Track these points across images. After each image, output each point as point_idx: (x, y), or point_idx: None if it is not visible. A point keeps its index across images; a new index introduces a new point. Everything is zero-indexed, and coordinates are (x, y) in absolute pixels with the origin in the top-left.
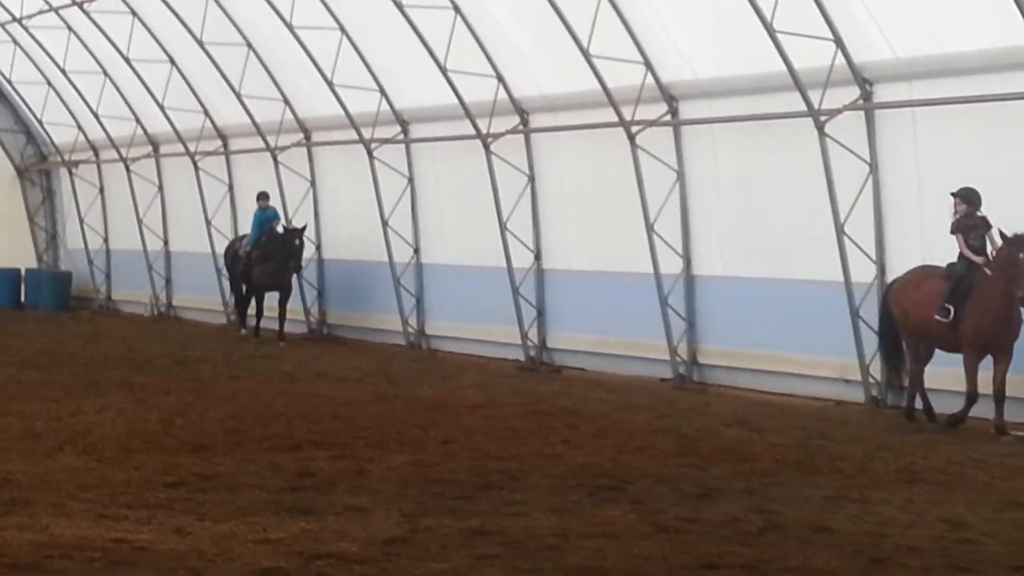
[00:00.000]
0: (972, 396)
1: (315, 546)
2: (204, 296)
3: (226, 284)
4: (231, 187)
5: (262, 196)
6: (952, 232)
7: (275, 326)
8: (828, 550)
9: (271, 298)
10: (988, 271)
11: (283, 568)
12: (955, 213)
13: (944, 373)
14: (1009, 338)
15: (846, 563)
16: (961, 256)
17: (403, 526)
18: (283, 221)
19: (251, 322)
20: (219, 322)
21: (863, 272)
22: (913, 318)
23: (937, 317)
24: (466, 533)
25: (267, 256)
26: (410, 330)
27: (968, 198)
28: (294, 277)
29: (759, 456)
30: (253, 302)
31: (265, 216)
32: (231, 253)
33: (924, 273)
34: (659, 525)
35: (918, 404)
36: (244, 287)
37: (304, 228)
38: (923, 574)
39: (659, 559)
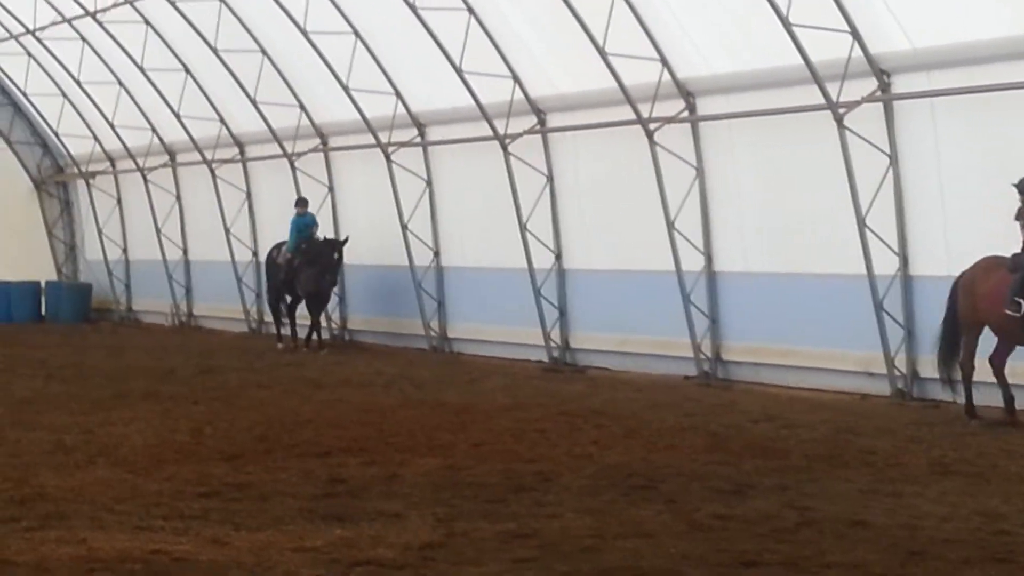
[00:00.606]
0: None
1: (352, 553)
2: (225, 304)
3: (248, 292)
4: (249, 195)
5: (300, 202)
6: (1016, 219)
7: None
8: (865, 544)
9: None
10: None
11: None
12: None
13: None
14: None
15: (884, 557)
16: None
17: (438, 531)
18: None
19: (297, 331)
20: (241, 331)
21: (886, 264)
22: (982, 311)
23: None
24: (502, 536)
25: (310, 262)
26: (433, 334)
27: None
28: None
29: (789, 451)
30: (298, 310)
31: (303, 222)
32: (270, 261)
33: (990, 264)
34: (694, 523)
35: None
36: (287, 296)
37: (346, 240)
38: (961, 566)
39: (697, 558)
